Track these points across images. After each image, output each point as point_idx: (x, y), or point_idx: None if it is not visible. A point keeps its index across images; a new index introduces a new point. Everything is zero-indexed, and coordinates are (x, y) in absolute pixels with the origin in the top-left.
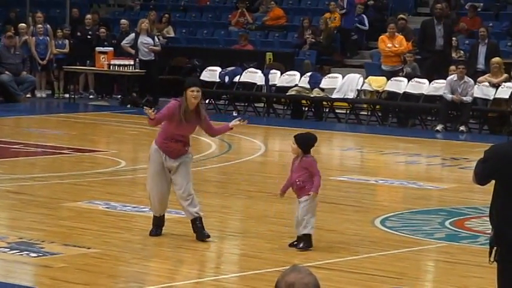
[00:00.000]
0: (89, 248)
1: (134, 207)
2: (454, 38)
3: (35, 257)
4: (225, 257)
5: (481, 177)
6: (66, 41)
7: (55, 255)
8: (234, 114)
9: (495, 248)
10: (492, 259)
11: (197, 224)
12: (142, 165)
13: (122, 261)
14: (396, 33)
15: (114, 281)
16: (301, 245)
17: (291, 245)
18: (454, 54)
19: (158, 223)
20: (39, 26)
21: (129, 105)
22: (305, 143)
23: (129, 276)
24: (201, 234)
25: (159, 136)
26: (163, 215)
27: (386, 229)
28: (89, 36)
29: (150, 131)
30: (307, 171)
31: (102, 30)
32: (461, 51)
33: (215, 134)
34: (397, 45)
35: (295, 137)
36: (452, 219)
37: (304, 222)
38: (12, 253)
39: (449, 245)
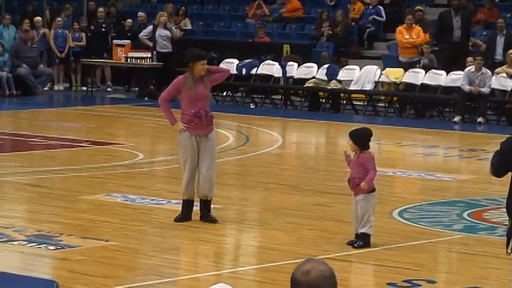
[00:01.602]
0: (107, 241)
1: (152, 199)
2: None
3: (53, 249)
4: (243, 249)
5: (497, 170)
6: (83, 34)
7: (73, 248)
8: (252, 106)
9: None
10: (509, 250)
11: (204, 206)
12: (161, 158)
13: (140, 253)
14: (414, 25)
15: (133, 274)
16: (359, 243)
17: (349, 243)
18: (471, 47)
19: (187, 206)
20: (59, 19)
21: (146, 98)
22: (360, 139)
23: (148, 268)
24: (205, 216)
25: (182, 120)
26: (192, 202)
27: (404, 221)
28: (103, 29)
29: (168, 124)
30: (364, 168)
31: (129, 20)
32: (476, 40)
33: (219, 75)
34: (414, 37)
35: (349, 134)
36: (470, 211)
37: (364, 221)
38: (31, 246)
39: (468, 237)
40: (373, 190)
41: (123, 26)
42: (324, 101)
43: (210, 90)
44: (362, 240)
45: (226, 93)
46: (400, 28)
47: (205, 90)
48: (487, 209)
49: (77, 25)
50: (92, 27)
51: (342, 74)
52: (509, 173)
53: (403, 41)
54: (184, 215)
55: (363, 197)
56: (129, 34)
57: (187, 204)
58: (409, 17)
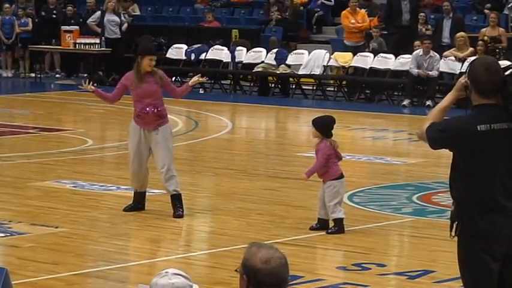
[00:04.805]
0: (56, 227)
1: (102, 186)
2: (422, 14)
3: (2, 237)
4: (194, 234)
5: (435, 144)
6: (29, 19)
7: (23, 235)
8: (201, 91)
9: (456, 222)
10: (453, 234)
11: (174, 201)
12: (110, 144)
13: (90, 240)
14: (358, 9)
15: (82, 260)
16: (332, 229)
17: (312, 228)
18: (422, 29)
19: (137, 199)
20: (6, 5)
21: (95, 84)
22: (322, 126)
23: (97, 255)
24: (174, 211)
25: (134, 112)
26: (144, 193)
27: (353, 204)
28: (53, 16)
29: (117, 110)
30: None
31: (69, 8)
32: (429, 25)
33: (179, 95)
34: (360, 21)
35: (312, 121)
36: (419, 194)
37: (331, 208)
38: None
39: (417, 220)
40: (341, 177)
41: (65, 13)
42: (273, 85)
43: (164, 86)
44: (336, 226)
45: (175, 79)
46: (344, 12)
47: (153, 89)
48: (436, 192)
49: (22, 11)
50: (43, 13)
51: (291, 59)
52: (451, 157)
53: (349, 25)
54: (135, 206)
55: (329, 184)
56: (72, 21)
57: (138, 196)
58: (353, 0)
